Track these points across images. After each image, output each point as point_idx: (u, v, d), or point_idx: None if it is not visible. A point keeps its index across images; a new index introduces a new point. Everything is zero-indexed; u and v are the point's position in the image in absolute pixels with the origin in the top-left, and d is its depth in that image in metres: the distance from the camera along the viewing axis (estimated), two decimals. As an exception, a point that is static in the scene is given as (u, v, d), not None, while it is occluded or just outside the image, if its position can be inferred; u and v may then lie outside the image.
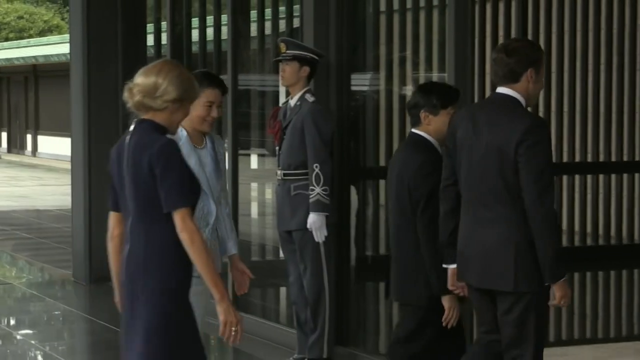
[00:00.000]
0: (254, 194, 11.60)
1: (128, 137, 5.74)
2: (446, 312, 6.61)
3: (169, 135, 5.71)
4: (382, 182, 10.17)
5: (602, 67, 13.62)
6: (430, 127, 6.87)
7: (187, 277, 5.72)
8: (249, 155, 11.42)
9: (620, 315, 11.87)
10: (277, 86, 9.98)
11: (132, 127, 5.75)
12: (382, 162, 10.02)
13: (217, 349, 10.38)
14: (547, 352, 8.67)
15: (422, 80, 11.47)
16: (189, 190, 5.64)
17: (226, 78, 10.78)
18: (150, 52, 13.01)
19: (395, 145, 10.69)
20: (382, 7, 10.14)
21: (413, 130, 6.96)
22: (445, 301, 6.60)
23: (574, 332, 11.15)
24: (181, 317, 5.74)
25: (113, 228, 5.97)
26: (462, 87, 7.87)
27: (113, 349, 9.86)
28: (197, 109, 6.58)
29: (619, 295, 12.94)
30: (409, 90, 11.19)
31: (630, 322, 11.50)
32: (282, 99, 9.49)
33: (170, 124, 5.75)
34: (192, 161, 6.50)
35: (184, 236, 5.58)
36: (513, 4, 13.23)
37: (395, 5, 10.42)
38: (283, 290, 10.04)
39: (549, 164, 6.18)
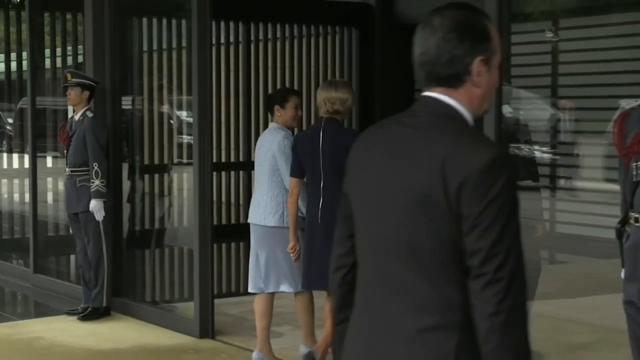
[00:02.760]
0: (49, 185, 11.36)
1: (321, 130, 6.40)
2: None
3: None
4: (149, 176, 10.16)
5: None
6: None
7: None
8: (45, 156, 11.18)
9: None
10: (66, 105, 9.81)
11: (322, 123, 6.45)
12: (146, 161, 9.98)
13: (21, 304, 10.09)
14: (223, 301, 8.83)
15: (175, 102, 11.47)
16: None
17: (26, 100, 10.57)
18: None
19: (157, 147, 10.66)
20: (145, 48, 10.08)
21: None
22: None
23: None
24: None
25: (293, 188, 6.55)
26: (204, 107, 7.91)
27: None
28: (289, 111, 6.91)
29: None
30: (165, 108, 11.14)
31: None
32: (69, 115, 9.32)
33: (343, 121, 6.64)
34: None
35: None
36: (240, 48, 13.33)
37: (155, 46, 10.38)
38: (72, 257, 9.86)
39: None
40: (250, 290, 7.10)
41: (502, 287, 2.39)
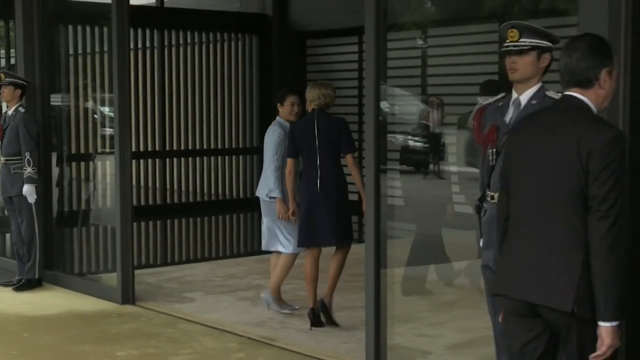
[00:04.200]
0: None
1: (315, 119, 6.74)
2: None
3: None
4: (76, 163, 9.96)
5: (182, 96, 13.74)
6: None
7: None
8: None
9: (235, 238, 12.06)
10: (0, 102, 9.54)
11: (315, 113, 6.78)
12: (74, 151, 9.81)
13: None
14: (142, 271, 8.73)
15: (98, 99, 11.25)
16: (354, 144, 6.76)
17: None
18: None
19: (82, 138, 10.46)
20: (71, 51, 9.88)
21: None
22: None
23: (196, 253, 11.21)
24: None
25: (290, 168, 6.86)
26: (123, 103, 7.79)
27: None
28: (287, 108, 7.15)
29: (231, 229, 13.10)
30: (89, 104, 10.94)
31: (225, 246, 11.69)
32: (3, 110, 9.07)
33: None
34: (280, 136, 7.11)
35: (354, 168, 6.61)
36: (155, 52, 13.16)
37: (80, 50, 10.19)
38: (7, 235, 9.60)
39: None
40: (262, 248, 7.51)
41: (611, 220, 3.23)
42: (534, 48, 4.30)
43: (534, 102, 4.32)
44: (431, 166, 7.98)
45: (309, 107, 6.92)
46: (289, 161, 6.93)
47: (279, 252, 7.25)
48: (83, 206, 9.61)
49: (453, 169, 8.48)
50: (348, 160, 6.70)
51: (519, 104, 4.38)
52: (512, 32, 4.33)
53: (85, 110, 10.68)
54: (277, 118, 7.27)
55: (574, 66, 3.42)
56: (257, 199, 7.32)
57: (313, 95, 6.87)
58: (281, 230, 7.16)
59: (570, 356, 3.41)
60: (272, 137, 7.14)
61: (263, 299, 7.36)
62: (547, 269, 3.37)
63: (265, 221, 7.30)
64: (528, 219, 3.47)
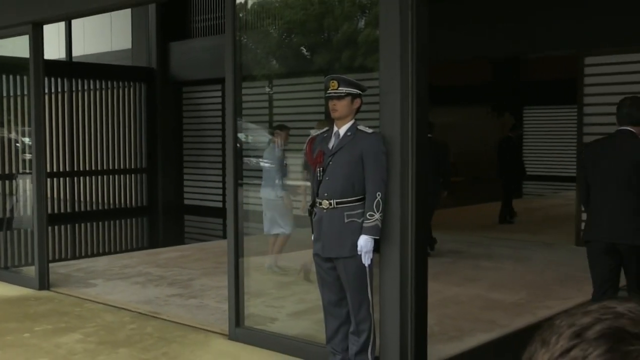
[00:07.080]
0: None
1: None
2: None
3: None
4: (1, 182, 9.34)
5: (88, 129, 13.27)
6: None
7: None
8: None
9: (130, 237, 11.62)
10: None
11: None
12: (6, 171, 9.23)
13: None
14: (55, 264, 8.28)
15: (20, 131, 10.64)
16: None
17: None
18: None
19: (7, 162, 9.83)
20: (-4, 94, 9.31)
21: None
22: None
23: (98, 249, 10.77)
24: None
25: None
26: (39, 134, 7.43)
27: None
28: (285, 134, 7.49)
29: (125, 230, 12.64)
30: (13, 135, 10.32)
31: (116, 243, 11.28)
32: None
33: None
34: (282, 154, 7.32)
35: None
36: (65, 97, 12.61)
37: (5, 93, 9.63)
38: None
39: None
40: (265, 232, 7.55)
41: None
42: (348, 94, 4.37)
43: (349, 133, 4.39)
44: (276, 180, 7.96)
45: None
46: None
47: (277, 235, 7.54)
48: (7, 214, 9.04)
49: (294, 182, 8.52)
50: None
51: (339, 135, 4.43)
52: (333, 82, 4.39)
53: (9, 139, 10.05)
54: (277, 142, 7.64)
55: (635, 113, 4.54)
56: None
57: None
58: (280, 219, 7.47)
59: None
60: (279, 155, 7.58)
61: (267, 267, 7.55)
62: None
63: (268, 213, 7.54)
64: (608, 195, 4.51)
